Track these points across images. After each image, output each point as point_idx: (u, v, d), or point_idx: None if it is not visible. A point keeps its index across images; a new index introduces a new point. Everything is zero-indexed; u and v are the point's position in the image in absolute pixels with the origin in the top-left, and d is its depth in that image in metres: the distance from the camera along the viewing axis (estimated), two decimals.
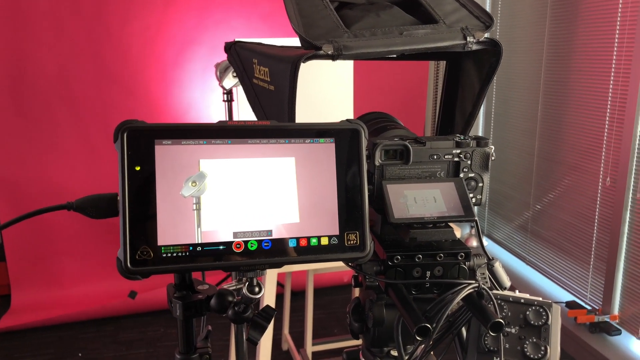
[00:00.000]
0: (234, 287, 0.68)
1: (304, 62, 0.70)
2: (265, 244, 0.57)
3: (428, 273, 0.63)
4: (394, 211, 0.60)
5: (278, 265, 0.57)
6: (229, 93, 1.78)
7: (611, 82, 2.37)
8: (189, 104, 2.81)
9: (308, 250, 0.58)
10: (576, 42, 2.59)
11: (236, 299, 0.63)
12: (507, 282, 0.68)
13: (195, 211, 0.56)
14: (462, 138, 0.67)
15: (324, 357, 2.44)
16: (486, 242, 3.29)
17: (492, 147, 0.68)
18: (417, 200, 0.61)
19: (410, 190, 0.62)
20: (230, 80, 1.70)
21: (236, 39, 1.03)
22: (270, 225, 0.57)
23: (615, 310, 2.45)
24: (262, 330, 0.61)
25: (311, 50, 0.70)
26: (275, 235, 0.57)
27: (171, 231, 0.55)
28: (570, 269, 2.74)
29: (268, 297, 1.69)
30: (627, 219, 2.34)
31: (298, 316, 2.68)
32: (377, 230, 0.68)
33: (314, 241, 0.58)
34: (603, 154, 2.44)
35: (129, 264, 0.53)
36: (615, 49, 2.33)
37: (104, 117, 2.73)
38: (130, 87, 2.73)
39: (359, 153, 0.59)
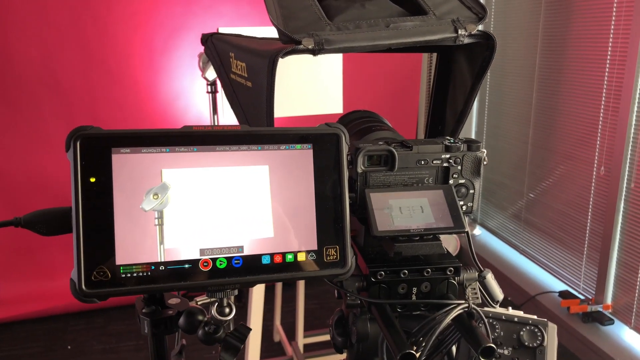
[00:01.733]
0: (208, 301, 0.63)
1: (282, 58, 0.65)
2: (236, 262, 0.52)
3: (414, 289, 0.58)
4: (378, 223, 0.55)
5: (250, 284, 0.52)
6: (212, 84, 1.71)
7: (606, 70, 2.33)
8: (177, 92, 2.75)
9: (283, 268, 0.53)
10: (572, 29, 2.54)
11: (207, 318, 0.58)
12: (500, 295, 0.63)
13: (158, 226, 0.51)
14: (451, 141, 0.62)
15: (316, 349, 2.42)
16: (479, 231, 3.27)
17: (484, 151, 0.63)
18: (402, 210, 0.56)
19: (396, 200, 0.57)
20: (213, 72, 1.63)
21: (219, 29, 0.98)
22: (241, 241, 0.52)
23: (608, 300, 2.45)
24: (235, 351, 0.56)
25: (290, 44, 0.65)
26: (247, 252, 0.52)
27: (131, 249, 0.50)
28: (563, 259, 2.73)
29: (257, 288, 1.64)
30: (622, 209, 2.32)
31: (289, 307, 2.65)
32: (360, 241, 0.63)
33: (289, 257, 0.53)
34: (598, 143, 2.41)
35: (83, 286, 0.48)
36: (611, 36, 2.29)
37: (91, 106, 2.68)
38: (117, 75, 2.67)
39: (339, 160, 0.54)
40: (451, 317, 0.53)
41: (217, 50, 0.87)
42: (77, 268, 0.48)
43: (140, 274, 0.50)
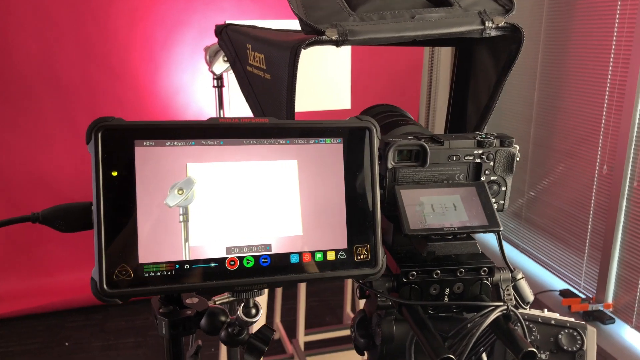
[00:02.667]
0: (227, 300, 0.61)
1: (304, 49, 0.62)
2: (264, 260, 0.50)
3: (447, 290, 0.56)
4: (410, 221, 0.53)
5: (278, 284, 0.50)
6: (219, 79, 1.67)
7: (610, 67, 2.31)
8: (177, 87, 2.72)
9: (312, 267, 0.50)
10: (575, 26, 2.53)
11: (230, 319, 0.55)
12: (531, 296, 0.61)
13: (182, 223, 0.48)
14: (483, 136, 0.60)
15: (316, 347, 2.40)
16: None
17: (517, 146, 0.61)
18: (434, 207, 0.54)
19: (427, 196, 0.55)
20: (221, 65, 1.60)
21: (227, 21, 0.95)
22: (269, 239, 0.50)
23: (610, 299, 2.44)
24: (260, 354, 0.54)
25: (313, 35, 0.62)
26: (274, 250, 0.50)
27: (154, 247, 0.47)
28: (564, 257, 2.72)
29: None
30: (624, 207, 2.31)
31: (290, 304, 2.62)
32: (388, 240, 0.61)
33: (319, 256, 0.51)
34: (600, 141, 2.40)
35: (105, 286, 0.46)
36: (615, 33, 2.27)
37: (90, 102, 2.65)
38: (117, 70, 2.63)
39: (371, 155, 0.52)
40: (490, 320, 0.51)
41: (232, 41, 0.84)
42: (99, 267, 0.45)
43: (164, 273, 0.47)
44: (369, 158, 0.52)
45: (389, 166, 0.57)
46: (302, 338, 2.38)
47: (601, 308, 2.45)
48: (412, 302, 0.54)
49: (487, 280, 0.57)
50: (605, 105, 2.34)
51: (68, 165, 2.67)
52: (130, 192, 0.47)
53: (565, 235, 2.67)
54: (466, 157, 0.59)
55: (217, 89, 1.68)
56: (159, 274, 0.47)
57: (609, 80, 2.32)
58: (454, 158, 0.58)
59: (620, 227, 2.33)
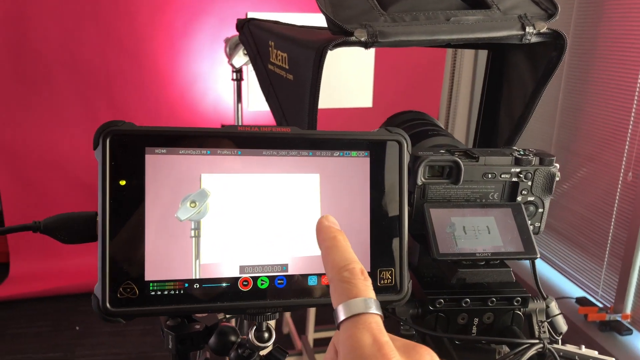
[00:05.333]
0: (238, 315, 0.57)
1: (331, 50, 0.58)
2: (279, 282, 0.46)
3: (476, 320, 0.52)
4: (439, 245, 0.48)
5: (294, 308, 0.46)
6: (238, 72, 1.63)
7: None
8: (196, 75, 2.69)
9: None
10: (604, 27, 2.44)
11: (241, 338, 0.52)
12: (564, 327, 0.57)
13: (194, 239, 0.44)
14: (522, 153, 0.55)
15: (325, 344, 2.37)
16: None
17: (557, 165, 0.56)
18: (466, 230, 0.50)
19: (459, 217, 0.50)
20: (241, 58, 1.56)
21: (249, 15, 0.91)
22: (286, 259, 0.46)
23: (628, 310, 2.39)
24: None
25: (340, 35, 0.58)
26: (291, 271, 0.46)
27: (162, 263, 0.44)
28: (582, 264, 2.66)
29: None
30: None
31: None
32: (413, 261, 0.56)
33: None
34: (627, 147, 2.32)
35: (107, 304, 0.42)
36: None
37: (107, 86, 2.63)
38: (135, 55, 2.61)
39: (400, 171, 0.48)
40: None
41: (254, 37, 0.80)
42: (102, 283, 0.42)
43: (172, 292, 0.44)
44: (397, 174, 0.48)
45: (419, 182, 0.52)
46: (312, 335, 2.35)
47: (619, 318, 2.40)
48: (439, 334, 0.50)
49: (520, 311, 0.52)
50: (634, 110, 2.27)
51: (83, 148, 2.66)
52: (138, 204, 0.43)
53: (585, 241, 2.60)
54: (502, 175, 0.54)
55: (235, 82, 1.63)
56: (166, 292, 0.44)
57: (638, 84, 2.24)
58: (489, 176, 0.54)
59: None
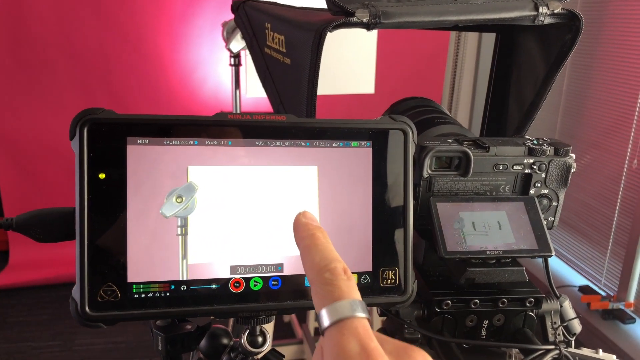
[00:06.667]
0: None
1: (330, 32, 0.54)
2: (274, 283, 0.42)
3: (485, 322, 0.48)
4: (447, 242, 0.45)
5: (290, 311, 0.42)
6: (236, 57, 1.58)
7: None
8: (196, 61, 2.65)
9: None
10: (610, 11, 2.39)
11: (233, 341, 0.49)
12: (578, 327, 0.53)
13: (180, 237, 0.41)
14: (536, 143, 0.51)
15: None
16: None
17: (573, 155, 0.52)
18: (476, 226, 0.46)
19: (468, 212, 0.47)
20: (239, 43, 1.51)
21: None
22: (280, 258, 0.43)
23: (631, 298, 2.38)
24: None
25: (341, 16, 0.54)
26: (287, 272, 0.43)
27: (146, 264, 0.40)
28: (585, 252, 2.64)
29: None
30: None
31: None
32: (418, 258, 0.53)
33: None
34: (632, 134, 2.29)
35: (87, 308, 0.39)
36: None
37: (104, 70, 2.60)
38: (133, 40, 2.57)
39: (405, 162, 0.44)
40: None
41: (250, 19, 0.76)
42: (80, 285, 0.39)
43: (157, 294, 0.40)
44: (401, 166, 0.44)
45: (425, 175, 0.48)
46: (313, 323, 2.34)
47: (622, 307, 2.39)
48: (446, 338, 0.47)
49: (533, 312, 0.49)
50: None
51: None
52: (120, 199, 0.40)
53: (588, 229, 2.58)
54: (514, 167, 0.50)
55: (233, 67, 1.59)
56: (150, 295, 0.40)
57: None
58: (501, 167, 0.50)
59: None
